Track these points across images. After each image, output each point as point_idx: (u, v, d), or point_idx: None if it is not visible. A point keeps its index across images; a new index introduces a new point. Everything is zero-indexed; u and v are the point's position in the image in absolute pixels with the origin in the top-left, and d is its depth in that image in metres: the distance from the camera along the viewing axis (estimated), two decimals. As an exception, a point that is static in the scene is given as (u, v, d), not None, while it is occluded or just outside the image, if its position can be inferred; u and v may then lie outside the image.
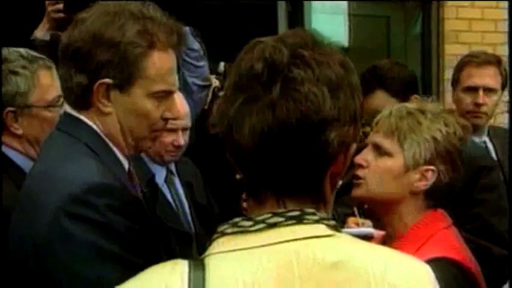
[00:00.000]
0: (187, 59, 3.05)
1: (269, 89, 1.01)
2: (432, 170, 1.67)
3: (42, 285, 1.37)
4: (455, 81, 3.09)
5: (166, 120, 1.55)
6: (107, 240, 1.33)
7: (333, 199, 1.12)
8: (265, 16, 4.70)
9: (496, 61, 3.00)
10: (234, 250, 1.01)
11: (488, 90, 2.95)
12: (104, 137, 1.50)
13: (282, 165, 1.02)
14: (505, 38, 4.65)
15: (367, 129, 1.87)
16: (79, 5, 2.42)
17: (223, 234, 1.03)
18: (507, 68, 3.07)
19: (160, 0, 1.56)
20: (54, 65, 2.02)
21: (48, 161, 1.49)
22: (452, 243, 1.65)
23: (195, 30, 3.07)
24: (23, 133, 1.96)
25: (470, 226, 2.31)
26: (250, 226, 1.02)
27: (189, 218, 2.54)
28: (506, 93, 3.14)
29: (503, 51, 3.94)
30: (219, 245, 1.03)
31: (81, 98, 1.48)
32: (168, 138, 2.37)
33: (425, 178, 1.68)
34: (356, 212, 2.48)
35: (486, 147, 3.00)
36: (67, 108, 1.56)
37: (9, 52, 1.98)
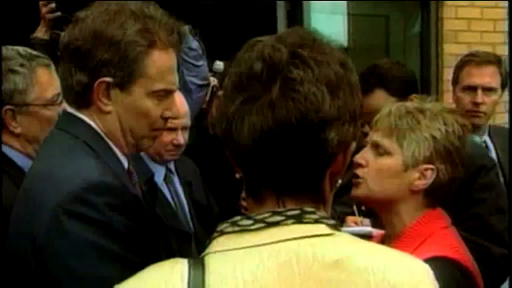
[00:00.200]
0: (186, 58, 3.05)
1: (268, 89, 1.01)
2: (431, 169, 1.67)
3: (42, 284, 1.37)
4: (455, 81, 3.10)
5: (166, 119, 1.55)
6: (106, 238, 1.33)
7: (332, 198, 1.12)
8: (265, 15, 4.70)
9: (496, 60, 3.00)
10: (233, 249, 1.01)
11: (487, 89, 2.95)
12: (103, 135, 1.50)
13: (281, 164, 1.02)
14: (504, 37, 4.66)
15: (367, 128, 1.87)
16: (73, 2, 2.42)
17: (223, 233, 1.04)
18: (507, 68, 3.07)
19: (160, 0, 1.56)
20: (53, 64, 2.03)
21: (48, 160, 1.49)
22: (450, 243, 1.65)
23: (194, 29, 3.07)
24: (22, 132, 1.95)
25: (469, 225, 2.31)
26: (250, 225, 1.02)
27: (188, 216, 2.54)
28: (506, 93, 3.14)
29: (502, 51, 3.94)
30: (219, 244, 1.03)
31: (81, 96, 1.48)
32: (167, 137, 2.37)
33: (425, 177, 1.68)
34: (355, 211, 2.49)
35: (486, 146, 3.00)
36: (66, 107, 1.56)
37: (8, 50, 1.97)
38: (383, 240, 1.76)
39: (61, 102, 1.97)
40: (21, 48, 2.00)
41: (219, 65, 3.61)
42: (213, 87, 3.49)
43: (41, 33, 2.65)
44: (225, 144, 1.06)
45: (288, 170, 1.02)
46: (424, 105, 1.73)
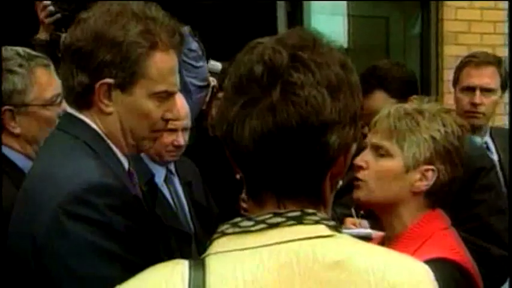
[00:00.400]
0: (186, 59, 3.05)
1: (269, 93, 1.01)
2: (432, 170, 1.68)
3: (42, 284, 1.37)
4: (455, 82, 3.10)
5: (166, 120, 1.55)
6: (107, 239, 1.33)
7: (332, 200, 1.13)
8: (265, 16, 4.70)
9: (495, 61, 3.00)
10: (234, 250, 1.01)
11: (486, 90, 2.96)
12: (104, 136, 1.50)
13: (282, 167, 1.02)
14: (504, 39, 4.66)
15: (366, 130, 1.87)
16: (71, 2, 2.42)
17: (224, 234, 1.04)
18: (507, 69, 3.07)
19: (160, 0, 1.56)
20: (53, 64, 2.02)
21: (48, 160, 1.49)
22: (450, 244, 1.65)
23: (194, 30, 3.07)
24: (21, 132, 1.95)
25: (469, 226, 2.31)
26: (251, 226, 1.02)
27: (188, 217, 2.54)
28: (506, 94, 3.14)
29: (502, 53, 3.94)
30: (220, 245, 1.03)
31: (82, 97, 1.48)
32: (168, 138, 2.37)
33: (426, 178, 1.68)
34: (353, 213, 2.49)
35: (488, 147, 3.00)
36: (66, 107, 1.56)
37: (6, 51, 1.97)
38: (383, 242, 1.76)
39: (60, 102, 1.97)
40: (20, 49, 2.00)
41: (214, 65, 3.59)
42: (213, 87, 3.48)
43: (42, 36, 2.65)
44: (225, 146, 1.06)
45: (288, 172, 1.02)
46: (422, 106, 1.73)
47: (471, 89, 2.97)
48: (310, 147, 1.01)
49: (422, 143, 1.67)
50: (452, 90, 3.19)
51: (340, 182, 1.13)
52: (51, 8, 2.63)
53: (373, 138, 1.73)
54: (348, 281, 0.98)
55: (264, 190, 1.05)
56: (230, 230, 1.04)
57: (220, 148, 1.09)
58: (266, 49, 1.04)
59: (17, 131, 1.95)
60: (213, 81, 3.47)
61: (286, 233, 1.01)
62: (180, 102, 2.27)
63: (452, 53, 4.64)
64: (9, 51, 1.97)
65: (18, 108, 1.93)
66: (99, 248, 1.33)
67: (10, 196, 1.68)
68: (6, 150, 1.95)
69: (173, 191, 2.53)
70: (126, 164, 1.55)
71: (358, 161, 1.72)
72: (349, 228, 2.41)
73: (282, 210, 1.03)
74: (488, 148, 3.00)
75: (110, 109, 1.48)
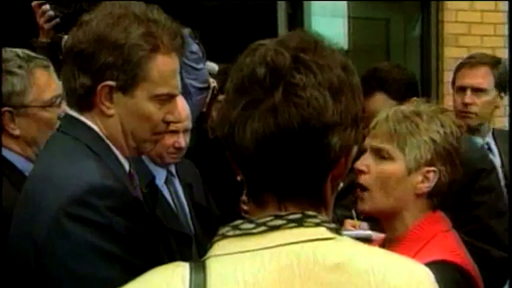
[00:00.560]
0: (187, 61, 3.05)
1: (271, 94, 1.01)
2: (433, 171, 1.68)
3: (42, 285, 1.37)
4: (453, 83, 3.12)
5: (168, 123, 1.55)
6: (108, 241, 1.34)
7: (333, 202, 1.13)
8: (265, 18, 4.70)
9: (490, 62, 3.00)
10: (235, 252, 1.01)
11: (477, 90, 2.97)
12: (105, 138, 1.50)
13: (283, 168, 1.02)
14: (504, 41, 4.66)
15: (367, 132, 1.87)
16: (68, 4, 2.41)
17: (225, 236, 1.04)
18: (506, 69, 3.07)
19: (159, 1, 1.56)
20: (53, 66, 2.02)
21: (49, 162, 1.49)
22: (451, 246, 1.65)
23: (194, 32, 3.07)
24: (20, 134, 1.94)
25: (469, 228, 2.31)
26: (252, 229, 1.02)
27: (189, 219, 2.54)
28: (505, 96, 3.14)
29: (502, 55, 3.94)
30: (220, 247, 1.03)
31: (83, 99, 1.48)
32: (169, 140, 2.37)
33: (427, 180, 1.68)
34: (354, 215, 2.49)
35: (489, 148, 3.01)
36: (66, 109, 1.56)
37: (6, 52, 1.96)
38: (383, 244, 1.76)
39: (60, 104, 1.96)
40: (19, 50, 1.99)
41: (210, 66, 3.59)
42: (213, 89, 3.48)
43: (43, 38, 2.65)
44: (226, 148, 1.06)
45: (289, 174, 1.02)
46: (419, 107, 1.73)
47: (463, 89, 2.99)
48: (312, 149, 1.01)
49: (423, 145, 1.67)
50: (452, 91, 3.20)
51: (341, 184, 1.13)
52: (51, 12, 2.63)
53: (373, 142, 1.73)
54: (349, 283, 0.98)
55: (265, 192, 1.05)
56: (231, 233, 1.04)
57: (220, 150, 1.09)
58: (268, 51, 1.04)
59: (16, 132, 1.94)
60: (213, 82, 3.47)
61: (287, 235, 1.02)
62: (181, 104, 2.27)
63: (452, 55, 4.65)
64: (8, 52, 1.96)
65: (17, 110, 1.93)
66: (100, 249, 1.33)
67: (9, 198, 1.68)
68: (5, 152, 1.95)
69: (174, 192, 2.53)
70: (126, 166, 1.56)
71: (359, 165, 1.72)
72: (348, 230, 2.41)
73: (283, 213, 1.03)
74: (490, 149, 3.01)
75: (111, 111, 1.48)
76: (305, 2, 4.81)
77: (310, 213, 1.03)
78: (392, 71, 2.82)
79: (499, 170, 2.90)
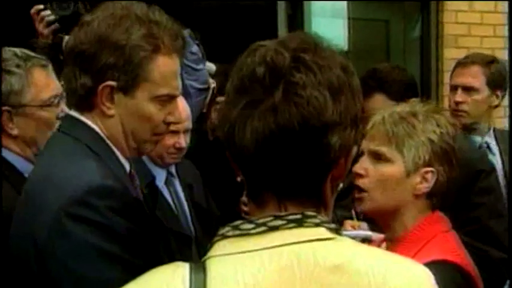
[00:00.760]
0: (187, 62, 3.05)
1: (271, 93, 1.01)
2: (432, 172, 1.68)
3: (43, 285, 1.37)
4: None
5: (168, 124, 1.56)
6: (108, 241, 1.34)
7: (333, 202, 1.13)
8: (265, 19, 4.70)
9: (483, 61, 3.02)
10: (235, 253, 1.01)
11: (468, 89, 2.98)
12: (105, 138, 1.51)
13: (283, 168, 1.02)
14: (503, 42, 4.67)
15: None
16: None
17: (224, 236, 1.04)
18: (504, 69, 3.08)
19: (159, 2, 1.56)
20: (53, 66, 2.02)
21: (49, 163, 1.49)
22: (451, 246, 1.66)
23: (194, 33, 3.08)
24: (19, 133, 1.93)
25: (468, 229, 2.32)
26: (252, 229, 1.02)
27: (189, 219, 2.54)
28: (505, 97, 3.15)
29: (502, 56, 3.95)
30: (220, 248, 1.03)
31: (84, 99, 1.49)
32: (170, 140, 2.37)
33: (426, 180, 1.69)
34: (354, 215, 2.49)
35: (489, 147, 3.01)
36: (65, 108, 1.56)
37: (4, 51, 1.95)
38: (383, 245, 1.76)
39: (59, 103, 1.96)
40: (17, 50, 1.98)
41: (207, 66, 3.59)
42: (213, 90, 3.48)
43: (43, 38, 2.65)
44: (226, 148, 1.06)
45: (289, 174, 1.03)
46: (414, 108, 1.74)
47: (456, 88, 3.01)
48: (312, 149, 1.01)
49: (421, 146, 1.68)
50: (451, 92, 3.21)
51: (341, 185, 1.14)
52: (49, 18, 2.63)
53: (370, 145, 1.73)
54: (349, 284, 0.98)
55: (265, 192, 1.05)
56: (231, 233, 1.04)
57: (220, 151, 1.09)
58: (268, 51, 1.05)
59: (15, 132, 1.93)
60: (212, 83, 3.47)
61: (287, 235, 1.02)
62: (181, 104, 2.27)
63: (452, 55, 4.64)
64: (7, 52, 1.95)
65: (15, 109, 1.92)
66: (100, 249, 1.33)
67: (8, 198, 1.68)
68: (4, 152, 1.94)
69: (174, 193, 2.53)
70: (127, 166, 1.56)
71: (357, 168, 1.72)
72: (348, 231, 2.41)
73: (283, 213, 1.03)
74: (489, 148, 3.01)
75: (111, 112, 1.49)
76: (305, 3, 4.81)
77: (310, 213, 1.04)
78: (392, 72, 2.82)
79: (499, 169, 2.91)
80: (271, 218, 1.03)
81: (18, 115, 1.93)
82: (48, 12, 2.64)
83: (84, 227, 1.33)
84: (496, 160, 2.97)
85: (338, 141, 1.03)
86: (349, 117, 1.04)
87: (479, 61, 3.02)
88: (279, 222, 1.02)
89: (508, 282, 2.64)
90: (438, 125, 1.70)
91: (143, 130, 1.52)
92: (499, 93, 3.02)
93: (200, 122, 3.39)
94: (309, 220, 1.03)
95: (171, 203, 2.49)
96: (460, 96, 2.98)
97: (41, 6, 2.67)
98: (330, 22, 5.03)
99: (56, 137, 1.56)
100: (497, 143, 3.03)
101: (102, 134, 1.50)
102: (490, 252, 2.45)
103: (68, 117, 1.56)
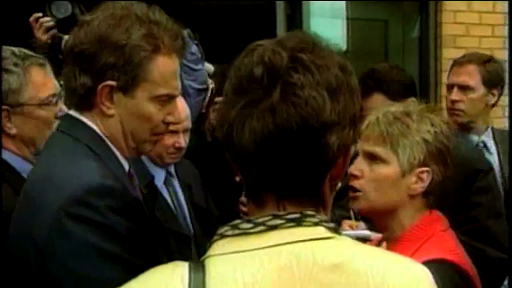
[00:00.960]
0: (186, 62, 3.06)
1: (269, 93, 1.01)
2: (427, 171, 1.69)
3: (43, 285, 1.37)
4: None
5: (167, 124, 1.56)
6: (108, 241, 1.34)
7: (332, 202, 1.13)
8: (264, 19, 4.71)
9: (479, 60, 3.02)
10: (234, 252, 1.02)
11: (464, 87, 2.99)
12: (104, 138, 1.51)
13: (282, 168, 1.02)
14: (502, 42, 4.67)
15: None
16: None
17: (223, 236, 1.04)
18: (501, 68, 3.09)
19: (158, 2, 1.57)
20: (52, 66, 2.02)
21: (49, 162, 1.49)
22: (449, 246, 1.66)
23: (193, 33, 3.08)
24: (17, 133, 1.92)
25: (466, 228, 2.32)
26: (250, 228, 1.03)
27: (188, 219, 2.54)
28: (504, 98, 3.15)
29: (500, 56, 3.95)
30: (219, 247, 1.04)
31: (84, 99, 1.49)
32: (169, 140, 2.37)
33: (422, 180, 1.69)
34: (352, 215, 2.49)
35: (485, 146, 3.02)
36: (63, 108, 1.56)
37: (2, 50, 1.94)
38: (381, 244, 1.76)
39: (57, 102, 1.96)
40: (15, 49, 1.97)
41: (206, 66, 3.60)
42: (211, 90, 3.49)
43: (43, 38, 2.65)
44: (225, 148, 1.07)
45: (288, 173, 1.03)
46: (408, 107, 1.74)
47: (452, 87, 3.02)
48: (310, 148, 1.02)
49: (416, 146, 1.68)
50: (450, 92, 3.21)
51: (339, 184, 1.14)
52: (48, 24, 2.63)
53: (365, 146, 1.72)
54: (348, 284, 0.99)
55: (263, 191, 1.05)
56: (230, 232, 1.04)
57: (219, 150, 1.09)
58: (266, 51, 1.05)
59: (13, 131, 1.92)
60: (211, 83, 3.47)
61: (286, 235, 1.02)
62: (181, 104, 2.27)
63: (450, 56, 4.64)
64: (4, 50, 1.94)
65: (13, 108, 1.91)
66: (100, 249, 1.33)
67: (7, 198, 1.68)
68: (2, 152, 1.92)
69: (173, 193, 2.53)
70: (126, 166, 1.56)
71: (352, 169, 1.71)
72: (345, 230, 2.42)
73: (281, 212, 1.04)
74: (486, 147, 3.02)
75: (111, 111, 1.49)
76: (304, 3, 4.81)
77: (309, 212, 1.04)
78: (391, 72, 2.82)
79: (496, 169, 2.91)
80: (270, 218, 1.03)
81: (16, 114, 1.92)
82: (46, 18, 2.65)
83: (84, 227, 1.33)
84: (494, 160, 2.97)
85: (336, 141, 1.03)
86: (348, 116, 1.05)
87: (475, 60, 3.03)
88: (278, 222, 1.03)
89: (506, 281, 2.65)
90: (432, 125, 1.70)
91: (142, 130, 1.52)
92: (495, 92, 3.02)
93: (199, 122, 3.40)
94: (308, 219, 1.03)
95: (170, 202, 2.50)
96: (456, 95, 2.99)
97: (40, 14, 2.68)
98: (328, 22, 5.04)
99: (55, 136, 1.56)
100: (496, 143, 3.04)
101: (101, 134, 1.50)
102: (488, 251, 2.45)
103: (67, 116, 1.56)
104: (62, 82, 1.72)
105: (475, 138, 3.00)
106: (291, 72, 1.02)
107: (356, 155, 1.74)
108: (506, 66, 3.24)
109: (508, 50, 3.87)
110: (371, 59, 4.58)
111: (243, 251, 1.01)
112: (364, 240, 1.97)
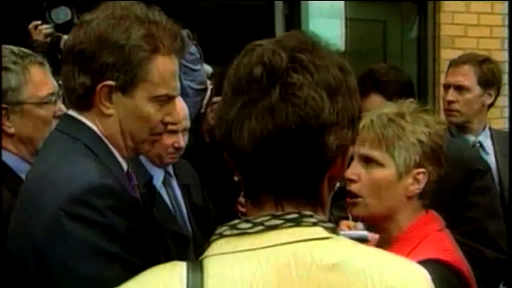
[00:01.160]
0: (184, 62, 3.06)
1: (268, 94, 1.02)
2: (423, 172, 1.69)
3: (42, 285, 1.37)
4: None
5: (166, 124, 1.56)
6: (107, 240, 1.34)
7: (330, 202, 1.13)
8: (262, 19, 4.71)
9: (474, 61, 3.03)
10: (232, 252, 1.02)
11: (459, 88, 3.00)
12: (103, 138, 1.51)
13: (280, 168, 1.03)
14: (500, 43, 4.68)
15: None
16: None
17: (222, 236, 1.04)
18: (498, 68, 3.10)
19: (158, 2, 1.57)
20: (51, 66, 2.01)
21: (48, 162, 1.49)
22: (445, 245, 1.66)
23: (192, 33, 3.08)
24: (15, 132, 1.91)
25: (464, 229, 2.33)
26: (249, 228, 1.03)
27: (187, 219, 2.54)
28: (504, 98, 3.16)
29: (498, 57, 3.96)
30: (218, 247, 1.04)
31: (83, 98, 1.49)
32: (168, 140, 2.37)
33: (418, 181, 1.69)
34: (350, 215, 2.49)
35: (482, 146, 3.03)
36: (62, 107, 1.56)
37: (1, 49, 1.94)
38: (378, 244, 1.77)
39: (55, 101, 1.96)
40: (14, 47, 1.97)
41: (204, 67, 3.60)
42: (210, 91, 3.49)
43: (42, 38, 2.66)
44: (224, 148, 1.07)
45: (287, 174, 1.03)
46: (401, 108, 1.74)
47: (448, 87, 3.03)
48: (309, 149, 1.02)
49: (411, 147, 1.68)
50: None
51: (338, 185, 1.14)
52: (47, 31, 2.63)
53: (361, 149, 1.72)
54: (346, 284, 0.99)
55: (262, 191, 1.05)
56: (228, 232, 1.04)
57: (218, 151, 1.09)
58: (265, 51, 1.05)
59: (11, 130, 1.91)
60: (210, 84, 3.47)
61: (284, 235, 1.02)
62: (180, 104, 2.27)
63: (449, 56, 4.64)
64: (3, 49, 1.93)
65: (12, 107, 1.90)
66: (99, 248, 1.33)
67: (5, 199, 1.67)
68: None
69: (171, 193, 2.54)
70: (125, 166, 1.56)
71: (349, 174, 1.71)
72: (343, 231, 2.42)
73: (280, 212, 1.04)
74: (482, 147, 3.02)
75: (110, 111, 1.49)
76: (302, 3, 4.80)
77: (307, 212, 1.04)
78: (389, 73, 2.83)
79: (493, 169, 2.92)
80: (268, 218, 1.03)
81: (15, 113, 1.91)
82: (45, 26, 2.66)
83: (83, 226, 1.33)
84: (491, 160, 2.98)
85: (335, 141, 1.03)
86: (347, 117, 1.05)
87: (470, 60, 3.04)
88: (276, 222, 1.03)
89: (502, 282, 2.65)
90: (426, 125, 1.70)
91: (141, 130, 1.52)
92: (492, 92, 3.03)
93: (197, 122, 3.40)
94: (306, 219, 1.03)
95: (169, 202, 2.50)
96: (451, 95, 3.00)
97: (39, 22, 2.69)
98: (327, 22, 5.03)
99: (54, 136, 1.56)
100: (493, 143, 3.04)
101: (100, 134, 1.50)
102: (485, 252, 2.46)
103: (66, 116, 1.56)
104: (60, 81, 1.71)
105: (471, 138, 3.01)
106: (290, 73, 1.02)
107: (351, 158, 1.74)
108: (506, 67, 3.25)
109: (508, 51, 3.88)
110: (369, 59, 4.58)
111: (241, 251, 1.02)
112: (361, 240, 1.98)
